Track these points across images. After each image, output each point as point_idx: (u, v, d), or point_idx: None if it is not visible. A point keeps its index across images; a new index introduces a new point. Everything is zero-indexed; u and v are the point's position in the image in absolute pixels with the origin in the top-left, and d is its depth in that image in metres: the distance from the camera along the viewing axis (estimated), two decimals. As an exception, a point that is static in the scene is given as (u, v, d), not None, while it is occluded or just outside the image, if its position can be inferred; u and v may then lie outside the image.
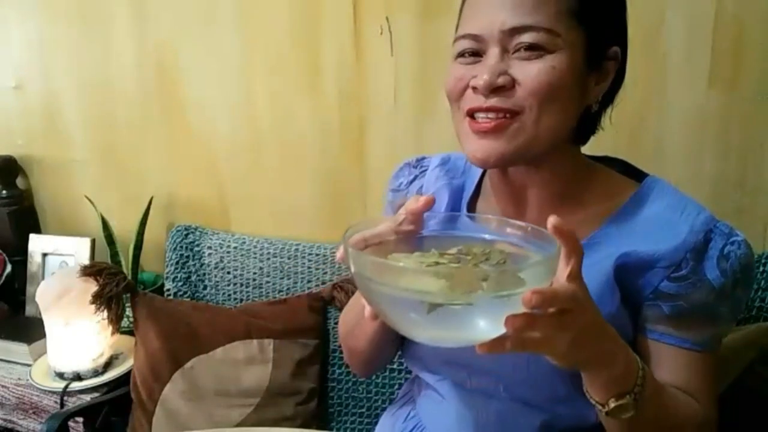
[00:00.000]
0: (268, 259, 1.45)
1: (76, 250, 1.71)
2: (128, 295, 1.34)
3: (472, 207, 0.85)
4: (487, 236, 0.63)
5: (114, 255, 1.69)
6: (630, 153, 0.88)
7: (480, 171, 0.86)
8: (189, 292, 1.49)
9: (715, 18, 1.13)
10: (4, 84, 1.82)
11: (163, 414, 1.27)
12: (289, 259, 1.44)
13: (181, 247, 1.50)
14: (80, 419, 1.35)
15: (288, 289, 1.43)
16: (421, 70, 1.36)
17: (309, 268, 1.42)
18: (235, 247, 1.48)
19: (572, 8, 0.66)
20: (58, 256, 1.74)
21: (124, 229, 1.72)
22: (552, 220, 0.54)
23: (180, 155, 1.67)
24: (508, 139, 0.68)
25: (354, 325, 0.87)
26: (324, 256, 1.42)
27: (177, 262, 1.49)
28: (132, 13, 1.59)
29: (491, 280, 0.49)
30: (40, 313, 1.42)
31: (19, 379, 1.46)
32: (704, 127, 1.19)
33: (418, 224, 0.65)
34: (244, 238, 1.50)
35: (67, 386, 1.38)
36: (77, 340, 1.40)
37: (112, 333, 1.44)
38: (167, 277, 1.50)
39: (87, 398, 1.38)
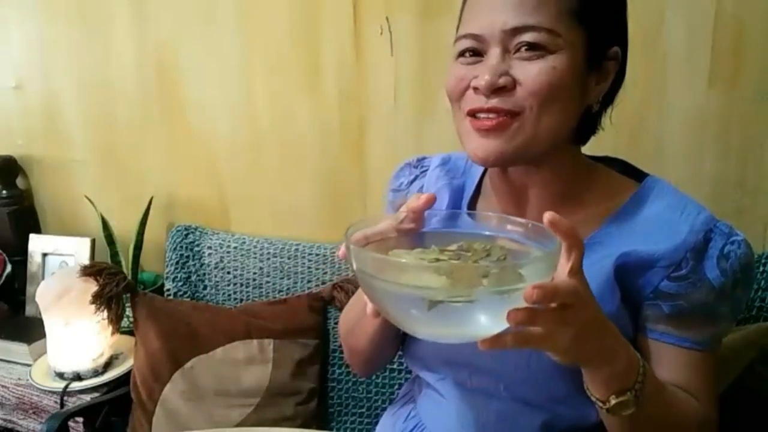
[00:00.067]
0: (268, 259, 1.45)
1: (76, 250, 1.71)
2: (128, 295, 1.34)
3: (472, 207, 0.85)
4: (487, 233, 0.64)
5: (114, 255, 1.69)
6: (630, 153, 0.88)
7: (480, 171, 0.86)
8: (189, 292, 1.49)
9: (715, 18, 1.13)
10: (4, 84, 1.82)
11: (163, 414, 1.27)
12: (289, 259, 1.44)
13: (181, 247, 1.50)
14: (80, 419, 1.34)
15: (288, 289, 1.43)
16: (421, 70, 1.36)
17: (309, 268, 1.42)
18: (235, 247, 1.48)
19: (573, 8, 0.66)
20: (58, 256, 1.74)
21: (124, 229, 1.72)
22: (548, 215, 0.54)
23: (180, 155, 1.67)
24: (509, 139, 0.68)
25: (355, 324, 0.87)
26: (324, 256, 1.42)
27: (177, 262, 1.49)
28: (132, 13, 1.60)
29: (492, 276, 0.49)
30: (40, 313, 1.42)
31: (19, 379, 1.46)
32: (704, 127, 1.19)
33: (418, 222, 0.65)
34: (244, 238, 1.50)
35: (67, 386, 1.38)
36: (77, 340, 1.39)
37: (112, 333, 1.44)
38: (167, 277, 1.50)
39: (87, 398, 1.38)
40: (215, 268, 1.49)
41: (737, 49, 1.14)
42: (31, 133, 1.85)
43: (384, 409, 1.06)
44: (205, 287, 1.49)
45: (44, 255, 1.75)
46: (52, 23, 1.71)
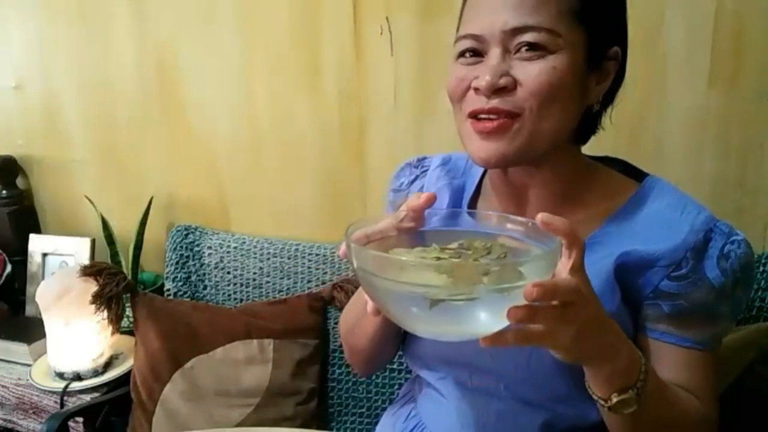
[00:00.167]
0: (268, 259, 1.45)
1: (76, 250, 1.71)
2: (128, 295, 1.34)
3: (472, 207, 0.85)
4: (488, 232, 0.64)
5: (114, 255, 1.69)
6: (630, 153, 0.88)
7: (480, 171, 0.86)
8: (189, 292, 1.49)
9: (715, 18, 1.13)
10: (4, 84, 1.82)
11: (163, 414, 1.27)
12: (289, 259, 1.44)
13: (181, 247, 1.50)
14: (80, 419, 1.34)
15: (288, 289, 1.43)
16: (421, 70, 1.36)
17: (309, 268, 1.42)
18: (235, 247, 1.48)
19: (573, 8, 0.66)
20: (58, 256, 1.74)
21: (124, 229, 1.72)
22: (540, 216, 0.55)
23: (180, 155, 1.67)
24: (510, 140, 0.68)
25: (355, 323, 0.87)
26: (324, 256, 1.42)
27: (177, 262, 1.49)
28: (132, 13, 1.60)
29: (492, 274, 0.49)
30: (40, 313, 1.42)
31: (19, 379, 1.46)
32: (704, 127, 1.19)
33: (419, 221, 0.66)
34: (244, 238, 1.50)
35: (67, 386, 1.38)
36: (77, 340, 1.39)
37: (112, 333, 1.44)
38: (167, 277, 1.50)
39: (87, 398, 1.38)
40: (215, 268, 1.49)
41: (737, 49, 1.14)
42: (31, 133, 1.85)
43: (384, 409, 1.06)
44: (205, 287, 1.49)
45: (44, 255, 1.75)
46: (52, 23, 1.71)
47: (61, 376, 1.41)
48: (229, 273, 1.47)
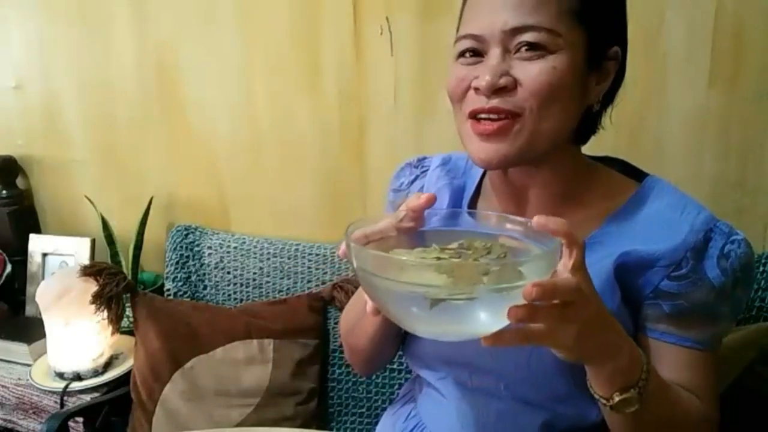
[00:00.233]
0: (268, 259, 1.45)
1: (76, 250, 1.71)
2: (128, 295, 1.34)
3: (472, 207, 0.85)
4: (488, 231, 0.64)
5: (114, 255, 1.69)
6: (630, 153, 0.88)
7: (481, 171, 0.86)
8: (189, 292, 1.49)
9: (715, 18, 1.13)
10: (4, 84, 1.82)
11: (163, 414, 1.27)
12: (289, 259, 1.44)
13: (181, 247, 1.50)
14: (80, 419, 1.34)
15: (288, 289, 1.43)
16: (421, 70, 1.36)
17: (309, 268, 1.42)
18: (235, 247, 1.48)
19: (573, 8, 0.66)
20: (58, 256, 1.74)
21: (124, 229, 1.72)
22: (536, 220, 0.55)
23: (180, 155, 1.67)
24: (511, 141, 0.68)
25: (355, 323, 0.87)
26: (324, 256, 1.42)
27: (177, 262, 1.49)
28: (132, 13, 1.60)
29: (492, 273, 0.49)
30: (40, 313, 1.42)
31: (19, 379, 1.46)
32: (704, 127, 1.19)
33: (418, 221, 0.66)
34: (244, 238, 1.50)
35: (67, 386, 1.38)
36: (77, 340, 1.39)
37: (112, 333, 1.44)
38: (167, 277, 1.50)
39: (87, 398, 1.38)
40: (215, 268, 1.49)
41: (737, 49, 1.14)
42: (31, 133, 1.85)
43: (384, 409, 1.06)
44: (205, 287, 1.49)
45: (44, 255, 1.75)
46: (52, 23, 1.71)
47: (61, 376, 1.41)
48: (229, 273, 1.47)
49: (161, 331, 1.30)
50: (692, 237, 0.70)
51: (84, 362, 1.41)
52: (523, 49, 0.66)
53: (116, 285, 1.30)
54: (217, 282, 1.48)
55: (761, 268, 1.07)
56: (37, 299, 1.39)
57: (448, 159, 0.91)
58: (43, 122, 1.81)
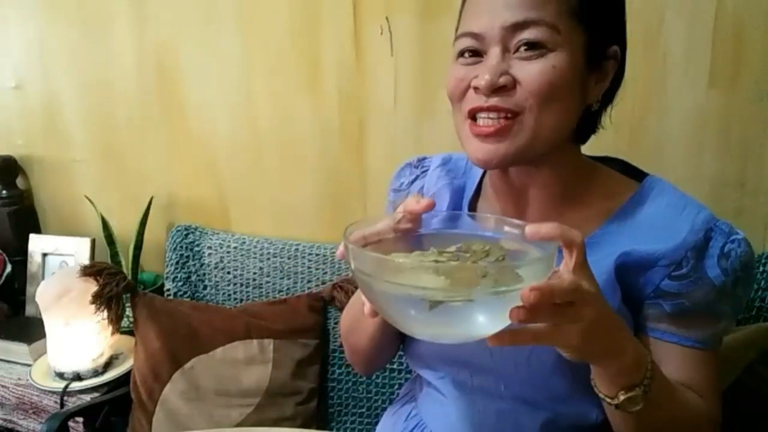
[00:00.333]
0: (268, 259, 1.45)
1: (76, 250, 1.71)
2: (128, 295, 1.34)
3: (473, 207, 0.85)
4: (486, 234, 0.64)
5: (114, 255, 1.69)
6: (630, 153, 0.88)
7: (481, 171, 0.86)
8: (189, 292, 1.49)
9: (715, 18, 1.13)
10: (4, 84, 1.82)
11: (163, 414, 1.27)
12: (289, 259, 1.44)
13: (181, 247, 1.50)
14: (80, 419, 1.34)
15: (288, 289, 1.43)
16: (421, 70, 1.36)
17: (309, 268, 1.42)
18: (235, 247, 1.48)
19: (573, 8, 0.66)
20: (58, 256, 1.74)
21: (124, 229, 1.72)
22: (527, 230, 0.55)
23: (180, 155, 1.67)
24: (510, 141, 0.68)
25: (355, 322, 0.87)
26: (324, 256, 1.42)
27: (177, 262, 1.49)
28: (132, 13, 1.60)
29: (490, 276, 0.49)
30: (40, 313, 1.42)
31: (19, 379, 1.46)
32: (704, 127, 1.19)
33: (416, 223, 0.65)
34: (244, 238, 1.50)
35: (67, 386, 1.38)
36: (77, 340, 1.40)
37: (112, 333, 1.44)
38: (167, 277, 1.50)
39: (87, 398, 1.38)
40: (215, 268, 1.49)
41: (737, 49, 1.13)
42: (31, 133, 1.85)
43: (384, 409, 1.06)
44: (205, 287, 1.49)
45: (44, 255, 1.75)
46: (52, 23, 1.71)
47: (61, 376, 1.41)
48: (229, 273, 1.48)
49: (161, 331, 1.30)
50: (692, 236, 0.70)
51: (84, 362, 1.41)
52: (523, 48, 0.66)
53: (116, 285, 1.30)
54: (217, 282, 1.48)
55: (761, 268, 1.07)
56: (37, 299, 1.39)
57: (448, 159, 0.91)
58: (43, 122, 1.81)
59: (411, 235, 0.65)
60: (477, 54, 0.70)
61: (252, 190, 1.61)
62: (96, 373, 1.43)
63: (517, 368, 0.75)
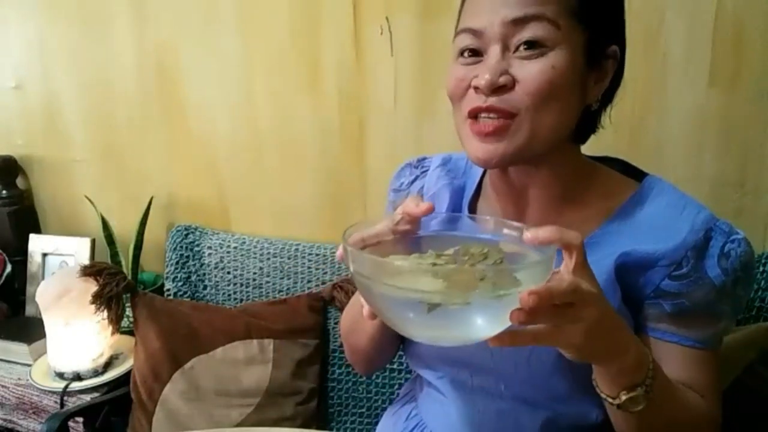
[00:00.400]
0: (268, 259, 1.45)
1: (76, 250, 1.71)
2: (128, 295, 1.34)
3: (473, 207, 0.85)
4: (484, 236, 0.64)
5: (114, 255, 1.69)
6: (630, 153, 0.88)
7: (481, 171, 0.86)
8: (189, 292, 1.49)
9: (715, 18, 1.13)
10: (4, 84, 1.82)
11: (163, 414, 1.27)
12: (289, 259, 1.44)
13: (181, 247, 1.50)
14: (80, 419, 1.34)
15: (288, 289, 1.43)
16: (421, 70, 1.36)
17: (309, 268, 1.42)
18: (235, 247, 1.48)
19: (573, 7, 0.66)
20: (58, 256, 1.74)
21: (124, 229, 1.72)
22: (525, 236, 0.55)
23: (180, 155, 1.67)
24: (509, 140, 0.68)
25: (355, 323, 0.87)
26: (324, 256, 1.42)
27: (177, 262, 1.49)
28: (132, 13, 1.60)
29: (488, 279, 0.49)
30: (40, 313, 1.42)
31: (19, 379, 1.46)
32: (704, 127, 1.19)
33: (414, 224, 0.65)
34: (244, 238, 1.50)
35: (67, 386, 1.38)
36: (77, 340, 1.40)
37: (112, 333, 1.44)
38: (167, 277, 1.50)
39: (87, 398, 1.38)
40: (215, 268, 1.49)
41: (737, 49, 1.13)
42: (31, 133, 1.85)
43: (384, 409, 1.06)
44: (205, 287, 1.49)
45: (44, 255, 1.75)
46: (52, 23, 1.71)
47: (61, 376, 1.41)
48: (229, 273, 1.48)
49: (161, 331, 1.30)
50: (692, 236, 0.70)
51: (84, 362, 1.41)
52: (522, 47, 0.66)
53: (116, 285, 1.30)
54: (217, 282, 1.48)
55: (761, 268, 1.07)
56: (37, 299, 1.39)
57: (448, 159, 0.91)
58: (43, 122, 1.81)
59: (410, 237, 0.65)
60: (477, 53, 0.69)
61: (252, 190, 1.61)
62: (96, 373, 1.43)
63: (517, 368, 0.75)
